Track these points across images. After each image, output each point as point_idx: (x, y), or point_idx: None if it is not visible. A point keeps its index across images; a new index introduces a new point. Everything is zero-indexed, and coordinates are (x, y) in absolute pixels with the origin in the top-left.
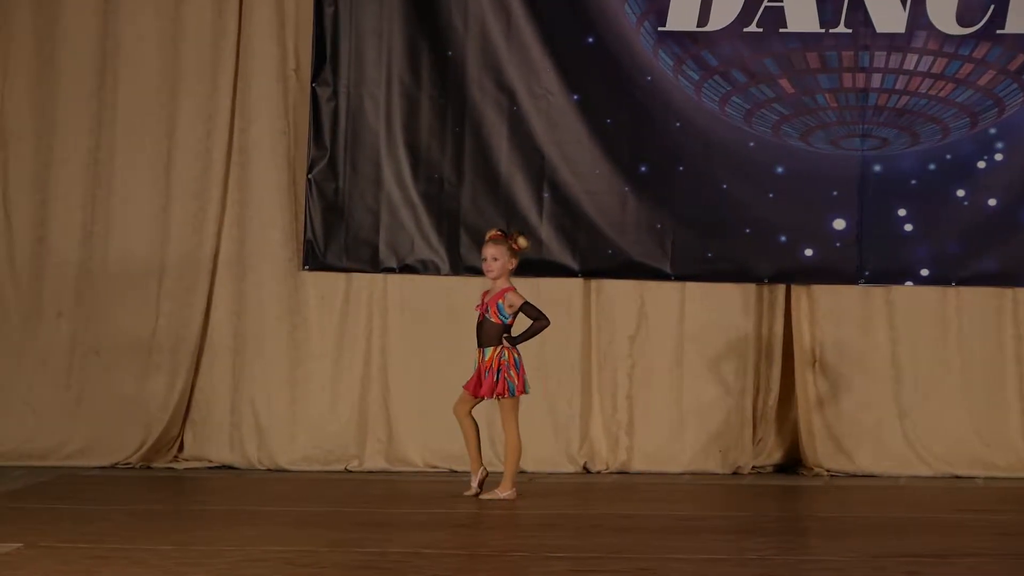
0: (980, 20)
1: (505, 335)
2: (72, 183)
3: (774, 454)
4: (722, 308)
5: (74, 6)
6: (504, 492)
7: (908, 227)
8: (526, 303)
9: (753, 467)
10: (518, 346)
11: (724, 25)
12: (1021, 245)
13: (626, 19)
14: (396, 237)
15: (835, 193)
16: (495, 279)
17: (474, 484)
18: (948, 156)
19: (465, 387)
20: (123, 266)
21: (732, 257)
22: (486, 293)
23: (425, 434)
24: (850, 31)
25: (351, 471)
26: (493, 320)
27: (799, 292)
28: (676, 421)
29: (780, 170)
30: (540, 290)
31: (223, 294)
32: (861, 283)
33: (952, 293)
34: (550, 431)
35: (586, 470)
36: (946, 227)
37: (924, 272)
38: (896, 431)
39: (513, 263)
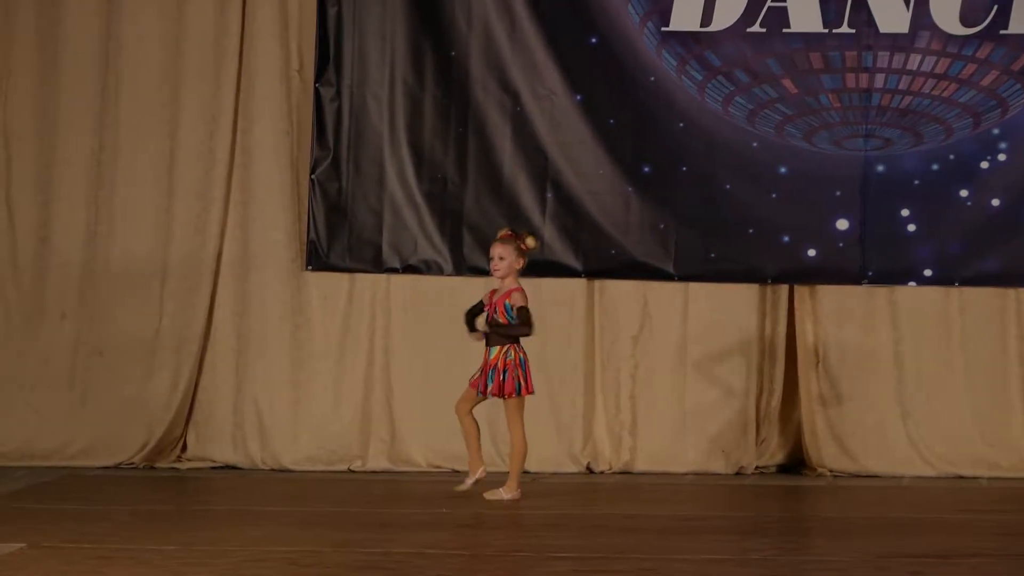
0: (983, 20)
1: (481, 319)
2: (75, 183)
3: (777, 454)
4: (725, 308)
5: (76, 6)
6: (509, 492)
7: (911, 227)
8: (522, 307)
9: (756, 467)
10: (524, 347)
11: (727, 25)
12: None
13: (629, 19)
14: (399, 237)
15: (838, 193)
16: (502, 278)
17: (469, 481)
18: (951, 156)
19: (471, 384)
20: (126, 266)
21: (735, 257)
22: (494, 292)
23: (428, 434)
24: (853, 31)
25: (354, 471)
26: (501, 320)
27: (802, 292)
28: (679, 421)
29: (783, 170)
30: (543, 290)
31: (226, 294)
32: (864, 283)
33: (955, 293)
34: (553, 431)
35: (589, 470)
36: (949, 227)
37: (927, 272)
38: (899, 431)
39: (521, 263)
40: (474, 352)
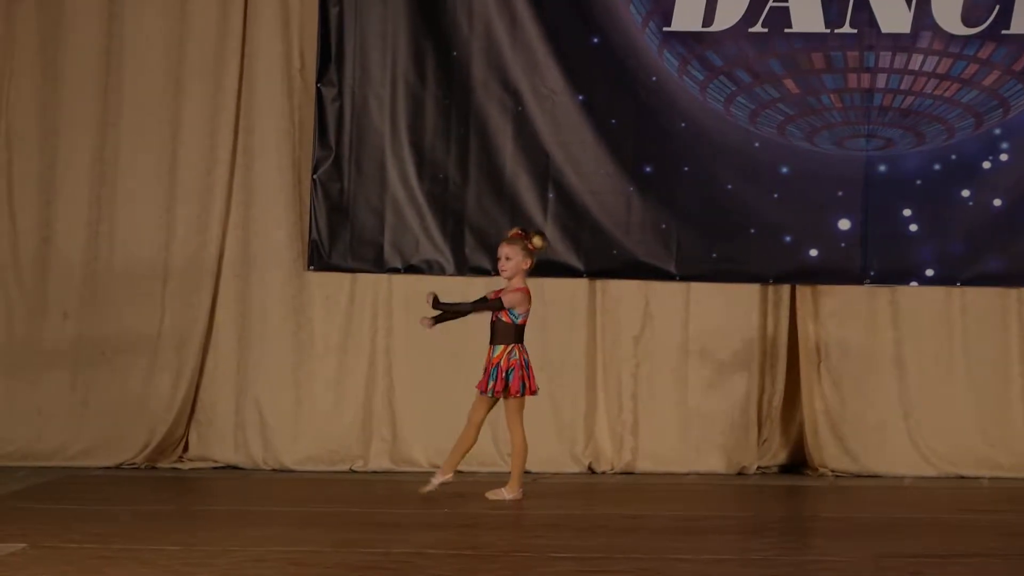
0: (985, 20)
1: (431, 293)
2: (77, 183)
3: (779, 454)
4: (727, 308)
5: (78, 7)
6: (511, 493)
7: (913, 227)
8: (499, 298)
9: (758, 467)
10: (526, 345)
11: (729, 25)
12: None
13: (631, 19)
14: (401, 237)
15: (840, 193)
16: (508, 278)
17: (434, 481)
18: (953, 156)
19: (480, 389)
20: (128, 266)
21: (737, 257)
22: (499, 292)
23: (430, 434)
24: (855, 31)
25: (356, 471)
26: (504, 320)
27: (804, 292)
28: (681, 421)
29: (785, 170)
30: (545, 290)
31: (228, 294)
32: (866, 283)
33: (957, 293)
34: (554, 431)
35: (591, 470)
36: (951, 227)
37: (929, 272)
38: (901, 431)
39: (527, 263)
40: (476, 352)
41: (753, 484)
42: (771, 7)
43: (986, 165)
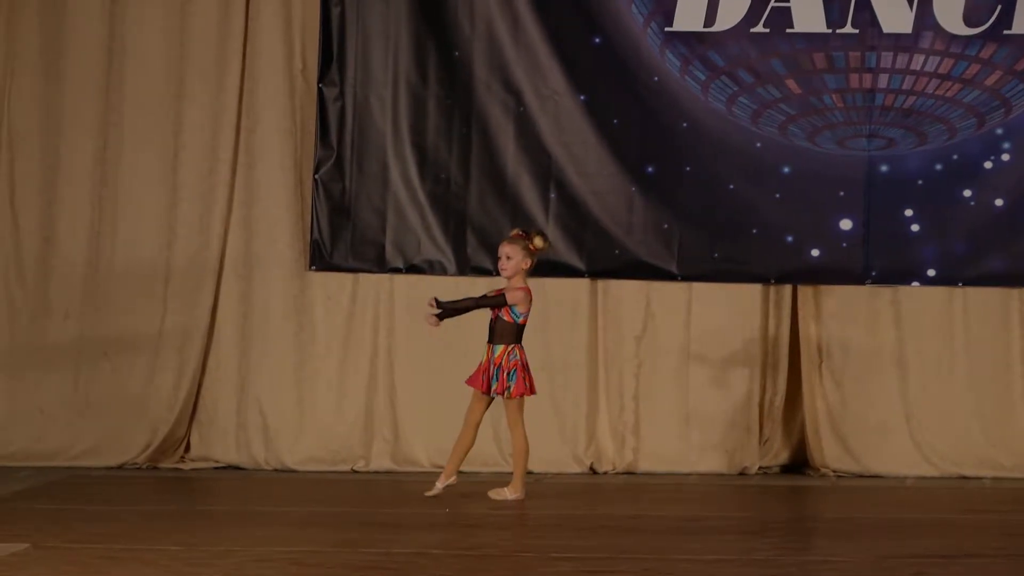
0: (987, 20)
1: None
2: (79, 183)
3: (781, 454)
4: (729, 309)
5: (80, 6)
6: (513, 493)
7: (915, 227)
8: (502, 294)
9: (760, 468)
10: (524, 346)
11: (731, 25)
12: None
13: (633, 19)
14: (403, 237)
15: (842, 193)
16: (509, 278)
17: (439, 485)
18: (955, 156)
19: (472, 385)
20: (130, 266)
21: (739, 257)
22: (500, 291)
23: (431, 434)
24: (857, 31)
25: (357, 471)
26: (506, 319)
27: (806, 292)
28: (683, 422)
29: (787, 170)
30: (547, 290)
31: (230, 294)
32: (868, 283)
33: (959, 293)
34: (556, 431)
35: (592, 470)
36: (953, 227)
37: (931, 272)
38: (902, 431)
39: (528, 263)
40: (478, 352)
41: (755, 484)
42: (773, 7)
43: (988, 165)
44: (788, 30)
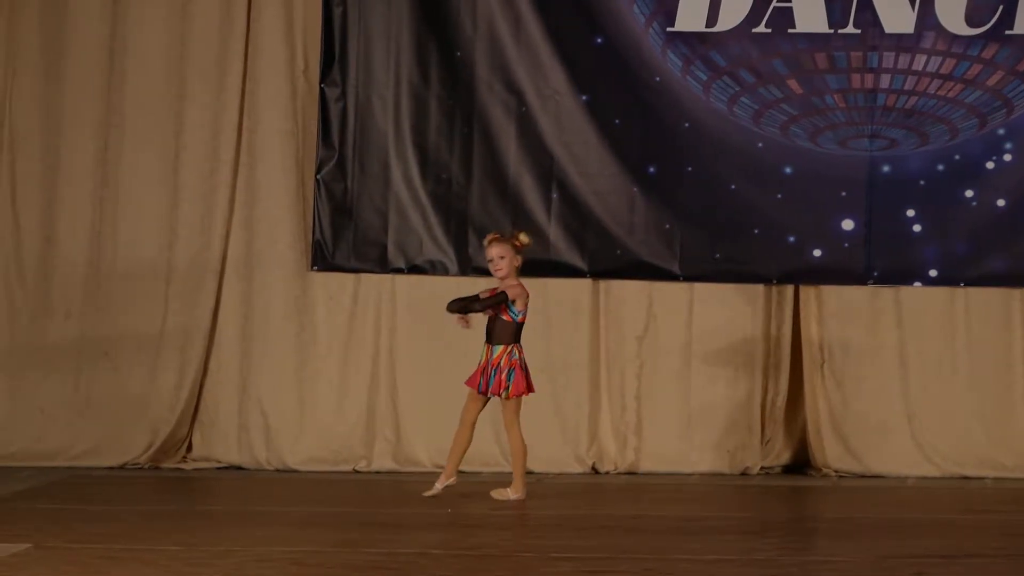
0: (989, 21)
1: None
2: (80, 183)
3: (782, 455)
4: (730, 309)
5: (81, 6)
6: (515, 493)
7: (916, 228)
8: (502, 292)
9: (761, 468)
10: (525, 346)
11: (733, 26)
12: None
13: (635, 20)
14: (404, 237)
15: (844, 194)
16: (503, 278)
17: (438, 486)
18: (957, 157)
19: (471, 385)
20: (131, 267)
21: (740, 258)
22: (495, 290)
23: (433, 434)
24: (859, 32)
25: (359, 471)
26: (504, 318)
27: (807, 292)
28: (684, 422)
29: (789, 170)
30: (548, 290)
31: (231, 295)
32: (870, 283)
33: (960, 294)
34: (558, 431)
35: (594, 470)
36: (954, 228)
37: (932, 273)
38: (904, 432)
39: (518, 260)
40: (478, 352)
41: (756, 484)
42: (774, 7)
43: (990, 165)
44: (790, 30)
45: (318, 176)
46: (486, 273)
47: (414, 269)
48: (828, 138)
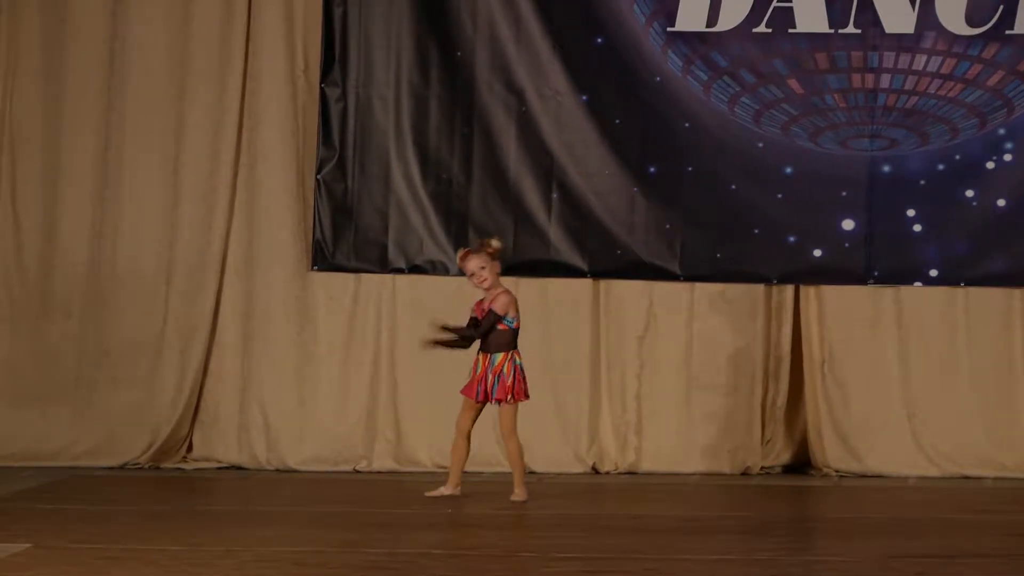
0: (989, 20)
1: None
2: (80, 184)
3: (783, 454)
4: (731, 308)
5: (82, 7)
6: (517, 496)
7: (917, 227)
8: (492, 311)
9: (762, 467)
10: (526, 346)
11: (733, 26)
12: None
13: (635, 19)
14: (405, 237)
15: (844, 194)
16: (488, 288)
17: (443, 490)
18: (957, 156)
19: (468, 395)
20: (132, 267)
21: (741, 258)
22: (481, 302)
23: (433, 434)
24: (859, 32)
25: (359, 471)
26: (500, 328)
27: (808, 292)
28: (685, 421)
29: (789, 171)
30: (548, 290)
31: (231, 295)
32: (870, 283)
33: (961, 294)
34: (559, 431)
35: (595, 470)
36: (955, 227)
37: (933, 272)
38: (905, 431)
39: (498, 266)
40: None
41: (757, 484)
42: (775, 7)
43: (990, 165)
44: (790, 30)
45: (318, 176)
46: None
47: (414, 269)
48: (828, 138)
